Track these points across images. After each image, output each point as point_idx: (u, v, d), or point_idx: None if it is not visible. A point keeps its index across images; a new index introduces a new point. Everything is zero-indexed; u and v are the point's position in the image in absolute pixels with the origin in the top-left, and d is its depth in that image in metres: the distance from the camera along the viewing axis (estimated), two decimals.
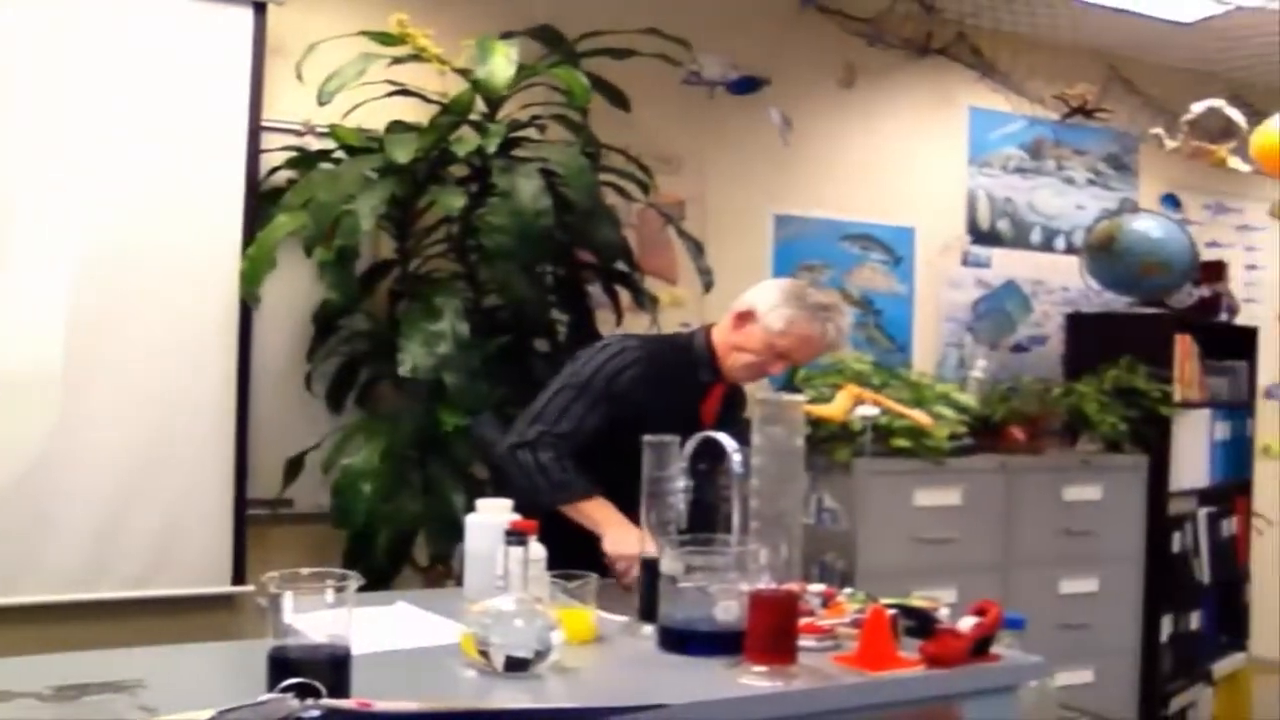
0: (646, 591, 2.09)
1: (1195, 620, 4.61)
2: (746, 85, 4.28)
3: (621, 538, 2.48)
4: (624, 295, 3.66)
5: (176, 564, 3.32)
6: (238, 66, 3.39)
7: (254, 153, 3.42)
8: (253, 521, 3.44)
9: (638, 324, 3.60)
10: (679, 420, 2.35)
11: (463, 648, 1.82)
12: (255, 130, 3.42)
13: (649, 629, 2.02)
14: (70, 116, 3.19)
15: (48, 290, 3.17)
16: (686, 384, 2.76)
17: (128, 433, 3.25)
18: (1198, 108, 3.91)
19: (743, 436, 2.15)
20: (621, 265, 3.60)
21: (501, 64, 3.23)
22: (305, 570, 1.56)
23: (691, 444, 2.21)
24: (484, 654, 1.75)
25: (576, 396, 2.64)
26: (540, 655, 1.75)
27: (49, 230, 3.17)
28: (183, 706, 1.43)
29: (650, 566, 2.07)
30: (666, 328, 3.51)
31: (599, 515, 2.55)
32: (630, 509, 2.46)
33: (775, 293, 2.73)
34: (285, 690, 1.39)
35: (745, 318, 2.73)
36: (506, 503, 2.29)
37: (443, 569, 3.23)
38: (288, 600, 1.52)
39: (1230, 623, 4.89)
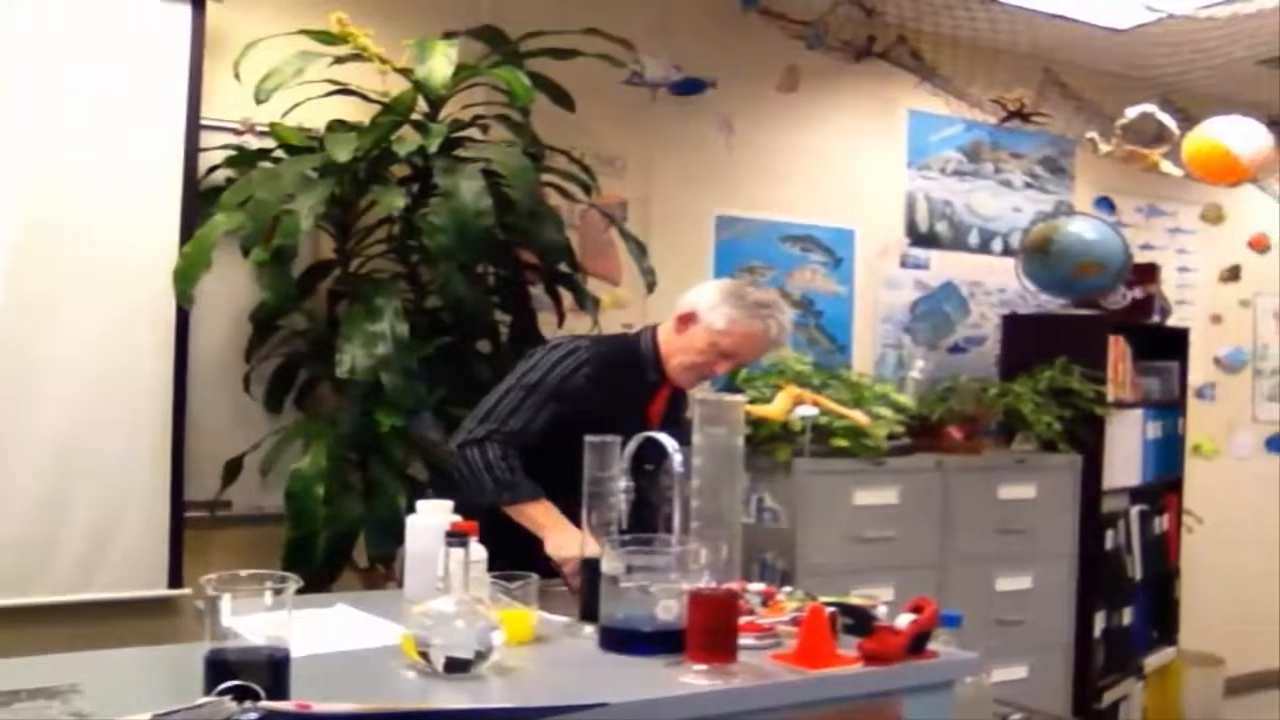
0: (587, 591, 2.10)
1: (1127, 616, 4.69)
2: (689, 87, 4.30)
3: (564, 541, 2.48)
4: (566, 296, 3.66)
5: (112, 567, 3.27)
6: (176, 64, 3.35)
7: (192, 151, 3.38)
8: (190, 524, 3.40)
9: (580, 325, 3.61)
10: (627, 421, 2.36)
11: (403, 649, 1.81)
12: (193, 128, 3.38)
13: (590, 629, 2.03)
14: (3, 110, 3.13)
15: None
16: (634, 385, 2.77)
17: (62, 434, 3.20)
18: (1131, 113, 3.98)
19: (685, 437, 2.16)
20: (564, 266, 3.60)
21: (441, 63, 3.22)
22: (244, 572, 1.55)
23: (633, 444, 2.23)
24: (424, 655, 1.76)
25: (527, 395, 2.66)
26: (481, 656, 1.76)
27: None
28: (118, 711, 1.42)
29: (591, 566, 2.08)
30: (609, 329, 3.52)
31: (541, 518, 2.56)
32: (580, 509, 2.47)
33: (715, 293, 2.75)
34: (223, 693, 1.39)
35: (687, 319, 2.75)
36: (447, 504, 2.29)
37: (383, 571, 3.21)
38: (225, 603, 1.51)
39: (1161, 618, 4.99)
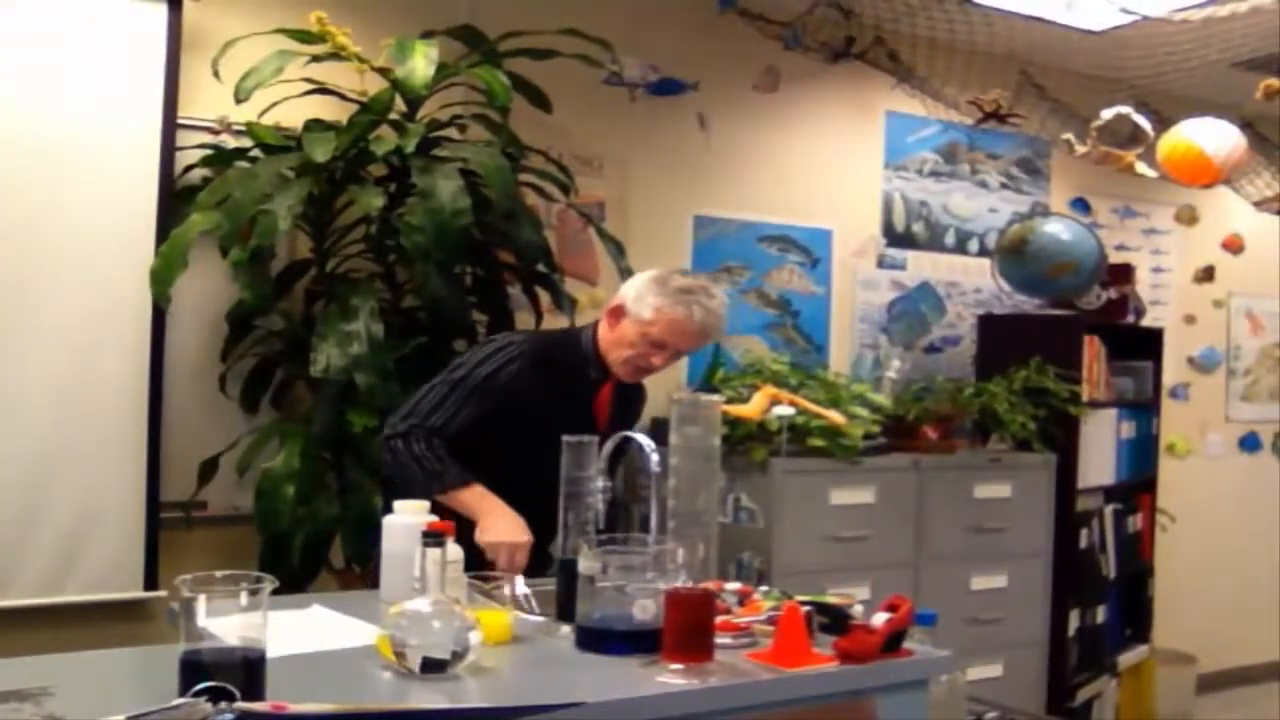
0: (564, 591, 2.11)
1: (1101, 614, 4.72)
2: (667, 87, 4.31)
3: (496, 525, 2.47)
4: (544, 296, 3.66)
5: (87, 569, 3.26)
6: (152, 63, 3.33)
7: (169, 150, 3.37)
8: (166, 525, 3.39)
9: (557, 325, 3.60)
10: (570, 417, 2.37)
11: (379, 649, 1.81)
12: (170, 127, 3.37)
13: (566, 629, 2.04)
14: None
15: None
16: (575, 381, 2.75)
17: (36, 435, 3.19)
18: (1106, 114, 4.00)
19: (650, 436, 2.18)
20: (541, 266, 3.60)
21: (420, 63, 3.22)
22: (219, 573, 1.55)
23: (610, 444, 2.23)
24: (401, 655, 1.75)
25: (450, 391, 2.64)
26: (457, 656, 1.76)
27: None
28: (91, 713, 1.42)
29: (568, 566, 2.08)
30: None
31: (475, 502, 2.53)
32: (526, 505, 2.46)
33: (641, 283, 2.72)
34: (198, 694, 1.38)
35: (617, 312, 2.73)
36: (423, 504, 2.29)
37: (359, 571, 3.21)
38: (201, 604, 1.51)
39: (1135, 616, 5.02)
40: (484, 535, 2.46)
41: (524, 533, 2.48)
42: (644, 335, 2.68)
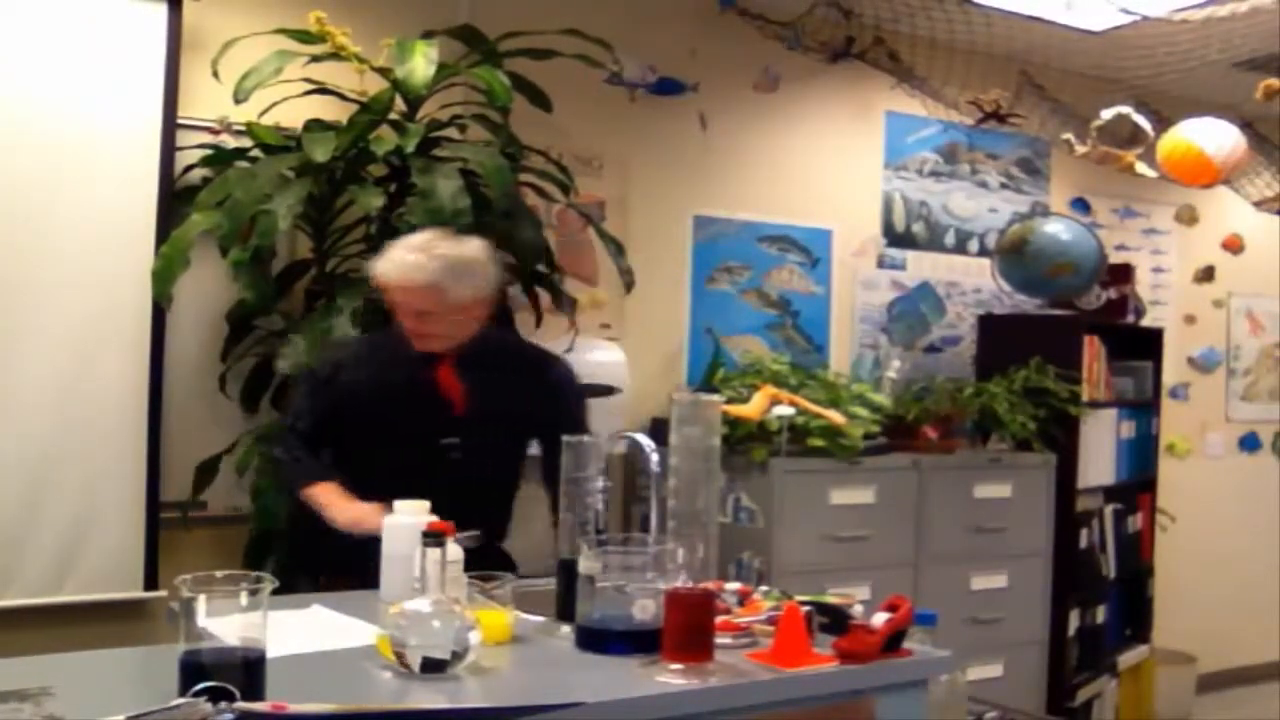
0: (564, 591, 2.11)
1: (1101, 614, 4.72)
2: (667, 87, 4.31)
3: (345, 509, 2.55)
4: (544, 296, 3.66)
5: (86, 569, 3.26)
6: (152, 63, 3.33)
7: (169, 150, 3.37)
8: (166, 525, 3.39)
9: (557, 325, 3.61)
10: (410, 403, 2.57)
11: (379, 649, 1.81)
12: (170, 127, 3.37)
13: (566, 629, 2.03)
14: None
15: None
16: (400, 363, 2.75)
17: (36, 435, 3.18)
18: (1106, 114, 4.01)
19: (578, 427, 2.28)
20: (541, 266, 3.60)
21: (420, 63, 3.22)
22: (219, 573, 1.55)
23: (609, 444, 2.23)
24: (400, 655, 1.75)
25: (300, 390, 2.85)
26: (457, 656, 1.76)
27: None
28: (91, 713, 1.42)
29: (568, 567, 2.08)
30: (586, 329, 3.51)
31: (323, 499, 2.61)
32: (386, 491, 2.39)
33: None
34: (198, 694, 1.38)
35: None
36: (424, 504, 2.29)
37: None
38: (201, 604, 1.51)
39: (1135, 616, 5.02)
40: (344, 515, 2.54)
41: (366, 505, 2.53)
42: (389, 300, 2.73)
